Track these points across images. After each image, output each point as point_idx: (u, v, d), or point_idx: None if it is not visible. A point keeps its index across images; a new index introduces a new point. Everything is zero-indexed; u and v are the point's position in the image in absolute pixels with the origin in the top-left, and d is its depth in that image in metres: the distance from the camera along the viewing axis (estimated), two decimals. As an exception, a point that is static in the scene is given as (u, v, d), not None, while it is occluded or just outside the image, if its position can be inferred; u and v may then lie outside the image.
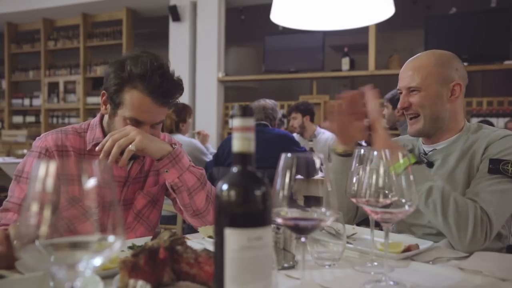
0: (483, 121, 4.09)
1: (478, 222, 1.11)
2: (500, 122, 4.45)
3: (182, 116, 3.47)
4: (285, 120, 5.20)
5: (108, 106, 1.31)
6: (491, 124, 3.58)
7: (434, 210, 1.15)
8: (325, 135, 4.10)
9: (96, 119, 1.37)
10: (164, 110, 1.30)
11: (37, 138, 1.34)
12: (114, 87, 1.25)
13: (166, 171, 1.25)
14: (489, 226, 1.12)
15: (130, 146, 1.19)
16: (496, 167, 1.20)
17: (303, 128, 4.07)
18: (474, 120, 4.24)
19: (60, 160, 1.27)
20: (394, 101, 3.15)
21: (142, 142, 1.20)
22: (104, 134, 1.34)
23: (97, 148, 1.21)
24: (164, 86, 1.24)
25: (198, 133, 4.06)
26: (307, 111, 4.06)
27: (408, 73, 1.36)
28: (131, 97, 1.24)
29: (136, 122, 1.26)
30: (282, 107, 5.34)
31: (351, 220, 1.39)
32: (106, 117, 1.36)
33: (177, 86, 1.30)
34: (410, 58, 1.41)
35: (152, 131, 1.30)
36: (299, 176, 0.69)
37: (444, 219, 1.13)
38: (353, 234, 1.20)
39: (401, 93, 1.40)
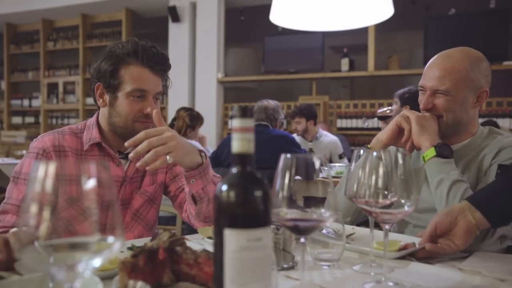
0: (486, 122, 4.09)
1: None
2: (499, 122, 4.46)
3: (193, 123, 3.55)
4: (285, 122, 5.20)
5: (106, 96, 1.31)
6: (492, 124, 3.57)
7: (440, 200, 1.22)
8: (327, 138, 4.10)
9: (93, 119, 1.37)
10: (161, 82, 1.34)
11: (34, 139, 1.33)
12: (109, 68, 1.27)
13: (192, 181, 1.23)
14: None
15: (168, 158, 1.13)
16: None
17: (305, 132, 4.07)
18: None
19: (58, 160, 1.27)
20: (403, 99, 3.16)
21: (179, 156, 1.15)
22: (101, 134, 1.34)
23: (126, 143, 1.14)
24: (156, 57, 1.30)
25: None
26: (311, 115, 4.04)
27: (436, 74, 1.29)
28: (130, 72, 1.27)
29: (140, 95, 1.28)
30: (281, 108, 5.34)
31: (353, 221, 1.39)
32: (103, 116, 1.35)
33: (166, 58, 1.35)
34: (439, 56, 1.33)
35: (156, 106, 1.32)
36: (298, 177, 0.69)
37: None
38: (351, 234, 1.20)
39: (422, 90, 1.35)
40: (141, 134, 1.13)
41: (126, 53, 1.28)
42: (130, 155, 1.14)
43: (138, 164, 1.14)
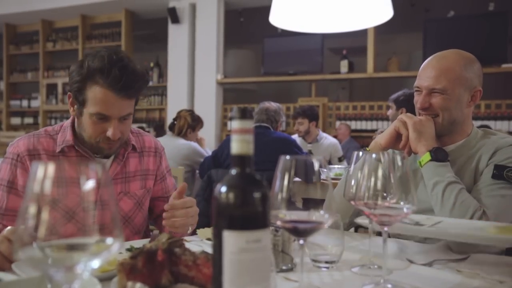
0: (480, 127, 4.10)
1: (476, 220, 1.15)
2: (498, 125, 4.47)
3: (194, 123, 3.56)
4: (284, 123, 5.20)
5: (75, 107, 1.29)
6: (489, 127, 3.60)
7: (436, 202, 1.25)
8: (327, 141, 4.10)
9: (69, 121, 1.35)
10: (130, 103, 1.27)
11: (10, 143, 1.32)
12: (76, 85, 1.23)
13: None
14: None
15: (189, 228, 1.26)
16: (500, 173, 1.24)
17: (307, 133, 4.07)
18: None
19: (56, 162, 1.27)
20: (398, 102, 3.20)
21: (194, 227, 1.29)
22: (76, 137, 1.31)
23: (166, 207, 1.23)
24: (124, 79, 1.21)
25: None
26: (314, 116, 4.05)
27: (432, 73, 1.32)
28: (94, 93, 1.21)
29: (103, 118, 1.23)
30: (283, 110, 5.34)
31: (352, 223, 1.39)
32: (76, 121, 1.33)
33: (139, 78, 1.26)
34: (434, 57, 1.37)
35: (122, 126, 1.27)
36: (297, 179, 0.69)
37: (442, 211, 1.22)
38: (438, 223, 1.10)
39: (418, 90, 1.37)
40: (180, 204, 1.22)
41: (93, 70, 1.21)
42: (166, 223, 1.22)
43: (166, 222, 1.22)
